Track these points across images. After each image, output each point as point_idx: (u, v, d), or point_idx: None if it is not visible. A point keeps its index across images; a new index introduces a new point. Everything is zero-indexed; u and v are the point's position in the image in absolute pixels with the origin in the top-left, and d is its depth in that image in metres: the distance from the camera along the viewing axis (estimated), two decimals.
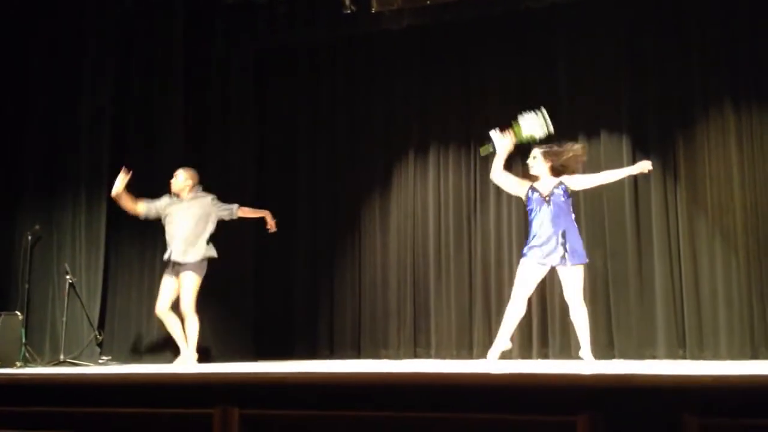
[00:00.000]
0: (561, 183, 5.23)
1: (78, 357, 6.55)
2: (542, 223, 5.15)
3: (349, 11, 6.73)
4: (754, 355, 6.04)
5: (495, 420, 2.57)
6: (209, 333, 7.07)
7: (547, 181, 5.27)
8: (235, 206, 6.16)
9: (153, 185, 6.56)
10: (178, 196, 6.04)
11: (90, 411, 3.08)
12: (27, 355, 6.48)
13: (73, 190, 7.10)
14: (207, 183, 6.23)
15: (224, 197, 7.26)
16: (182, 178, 6.02)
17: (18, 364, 6.26)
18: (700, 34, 6.59)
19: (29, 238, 6.92)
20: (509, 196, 7.05)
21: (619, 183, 6.61)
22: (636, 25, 6.81)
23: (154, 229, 6.37)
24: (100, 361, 6.62)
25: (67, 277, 6.75)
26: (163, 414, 2.96)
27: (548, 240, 5.11)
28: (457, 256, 7.15)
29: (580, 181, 5.35)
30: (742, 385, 2.51)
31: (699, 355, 6.16)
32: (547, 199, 5.19)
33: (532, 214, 5.25)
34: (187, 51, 7.25)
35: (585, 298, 6.54)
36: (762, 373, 2.71)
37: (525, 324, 6.75)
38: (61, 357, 6.49)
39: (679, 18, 6.70)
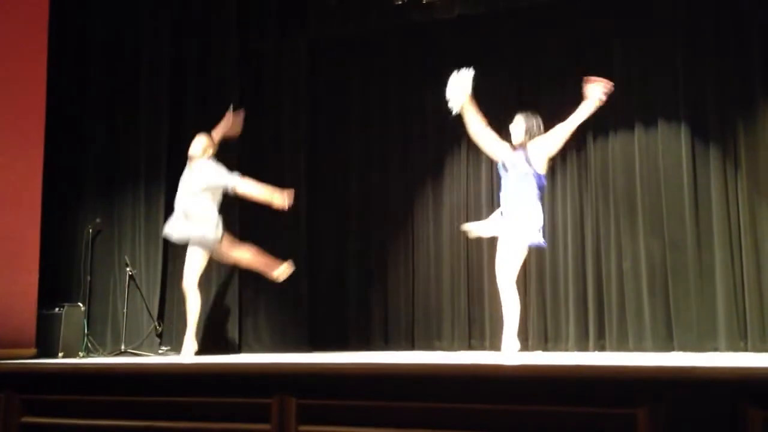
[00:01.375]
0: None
1: (139, 347, 6.72)
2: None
3: (400, 2, 6.71)
4: None
5: (554, 412, 2.55)
6: (265, 323, 7.20)
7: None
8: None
9: None
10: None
11: (150, 400, 3.15)
12: (89, 345, 6.68)
13: (132, 183, 7.27)
14: (260, 176, 6.27)
15: (276, 183, 7.35)
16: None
17: (81, 354, 6.45)
18: (761, 15, 6.37)
19: (90, 231, 7.11)
20: (564, 185, 7.00)
21: (678, 172, 6.50)
22: (693, 8, 6.63)
23: None
24: (160, 351, 6.77)
25: (128, 269, 6.92)
26: (223, 403, 3.01)
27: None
28: None
29: (542, 144, 5.15)
30: None
31: (762, 347, 6.00)
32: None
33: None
34: (241, 42, 7.34)
35: (642, 290, 6.48)
36: None
37: (581, 316, 6.70)
38: (122, 347, 6.67)
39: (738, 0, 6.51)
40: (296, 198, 6.29)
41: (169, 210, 6.97)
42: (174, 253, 7.01)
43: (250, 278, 6.90)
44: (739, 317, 6.15)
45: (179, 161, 6.35)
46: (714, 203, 6.38)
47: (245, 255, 6.01)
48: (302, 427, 2.87)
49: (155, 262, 7.05)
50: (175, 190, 6.08)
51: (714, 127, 6.48)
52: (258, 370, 3.19)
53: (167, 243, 7.04)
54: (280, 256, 6.42)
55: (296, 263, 7.13)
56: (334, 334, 7.41)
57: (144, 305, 6.92)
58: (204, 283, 6.92)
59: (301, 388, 2.88)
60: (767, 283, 6.14)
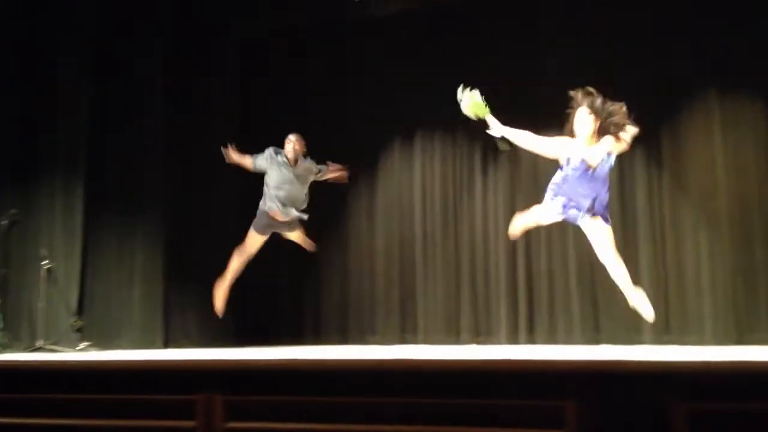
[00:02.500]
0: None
1: (56, 343, 6.47)
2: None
3: None
4: (739, 341, 6.07)
5: (484, 405, 2.56)
6: (193, 318, 7.05)
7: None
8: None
9: (132, 171, 6.50)
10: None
11: (69, 397, 3.03)
12: (6, 340, 6.41)
13: (49, 173, 6.98)
14: (191, 172, 6.16)
15: (208, 184, 7.22)
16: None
17: None
18: (687, 21, 6.57)
19: (5, 222, 6.81)
20: (496, 181, 7.07)
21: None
22: (623, 13, 6.77)
23: (135, 212, 6.29)
24: (79, 347, 6.54)
25: (44, 262, 6.65)
26: (146, 400, 2.92)
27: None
28: (443, 241, 7.13)
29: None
30: (728, 370, 2.51)
31: (684, 340, 6.19)
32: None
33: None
34: (172, 34, 7.15)
35: (571, 284, 6.63)
36: (748, 358, 2.70)
37: (513, 310, 6.78)
38: (39, 343, 6.41)
39: (667, 6, 6.68)
40: (230, 189, 6.21)
41: (90, 200, 6.79)
42: (94, 247, 6.80)
43: (176, 272, 6.75)
44: (663, 311, 6.31)
45: (99, 153, 6.16)
46: (639, 201, 6.56)
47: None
48: (229, 424, 2.80)
49: (73, 254, 6.81)
50: (96, 181, 6.04)
51: (640, 128, 6.63)
52: (183, 367, 3.11)
53: (87, 235, 6.82)
54: (208, 245, 6.31)
55: (225, 255, 7.04)
56: (265, 329, 7.32)
57: (62, 299, 6.68)
58: (126, 278, 6.75)
59: (227, 385, 2.82)
60: (690, 278, 6.34)
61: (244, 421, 2.79)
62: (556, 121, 6.75)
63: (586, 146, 4.93)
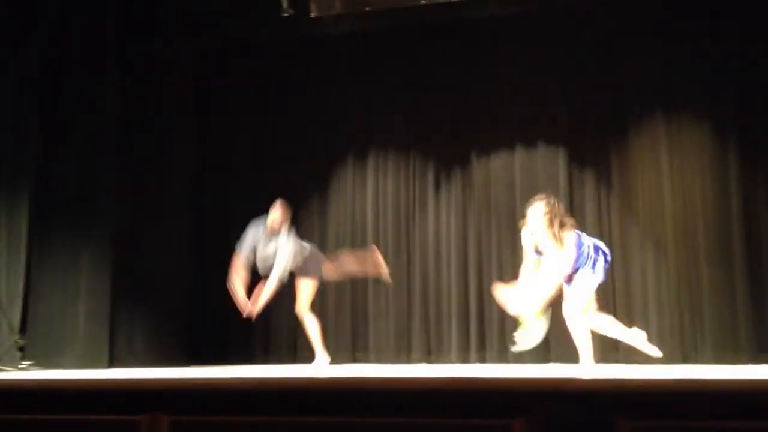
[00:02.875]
0: None
1: None
2: None
3: (287, 14, 6.65)
4: (685, 360, 6.20)
5: (432, 425, 2.55)
6: (140, 336, 6.91)
7: None
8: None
9: (80, 188, 6.36)
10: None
11: (10, 417, 2.94)
12: None
13: None
14: (142, 184, 6.07)
15: (160, 196, 7.13)
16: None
17: None
18: (634, 49, 6.77)
19: None
20: (448, 201, 7.13)
21: (555, 191, 6.74)
22: (573, 40, 6.94)
23: (82, 229, 6.17)
24: (21, 365, 6.35)
25: None
26: (89, 421, 2.84)
27: None
28: (395, 260, 7.14)
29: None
30: (671, 388, 2.55)
31: (632, 359, 6.28)
32: None
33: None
34: (124, 44, 7.04)
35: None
36: (690, 376, 2.76)
37: (464, 329, 6.82)
38: None
39: (614, 34, 6.86)
40: (181, 207, 6.12)
41: (35, 215, 6.64)
42: (39, 264, 6.63)
43: (123, 288, 6.63)
44: None
45: (46, 170, 6.01)
46: (588, 221, 6.67)
47: (349, 264, 6.33)
48: None
49: (17, 271, 6.62)
50: (42, 198, 6.00)
51: (590, 151, 6.80)
52: (128, 386, 3.04)
53: (31, 253, 6.65)
54: (160, 263, 6.21)
55: (177, 273, 6.95)
56: (215, 347, 7.22)
57: (4, 317, 6.49)
58: (71, 295, 6.58)
59: (173, 405, 2.76)
60: (636, 297, 6.47)
61: None
62: (506, 136, 6.93)
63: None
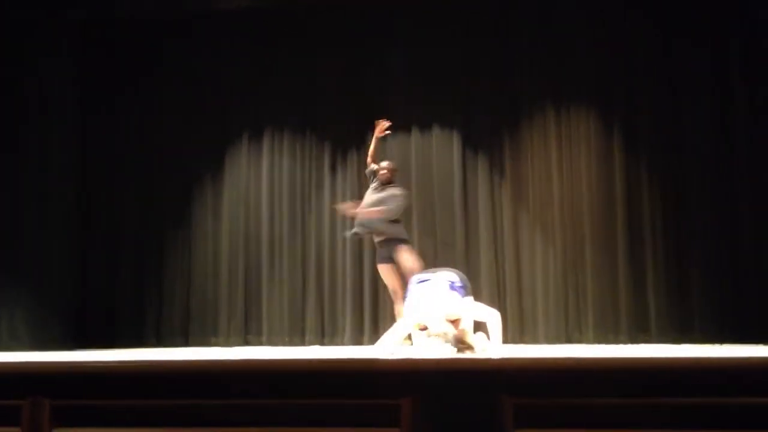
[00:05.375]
0: None
1: None
2: None
3: None
4: (568, 340, 6.47)
5: (323, 404, 2.58)
6: (23, 319, 6.63)
7: None
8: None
9: None
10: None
11: None
12: None
13: None
14: (22, 163, 5.79)
15: (42, 179, 6.83)
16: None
17: None
18: (527, 39, 6.96)
19: None
20: (344, 183, 7.15)
21: (449, 177, 6.91)
22: (470, 27, 7.06)
23: None
24: None
25: None
26: None
27: None
28: (290, 242, 7.11)
29: None
30: (552, 366, 2.66)
31: (520, 339, 6.51)
32: None
33: None
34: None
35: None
36: (569, 355, 2.88)
37: (358, 312, 6.87)
38: None
39: (509, 23, 7.03)
40: (66, 189, 5.87)
41: None
42: None
43: (3, 270, 6.34)
44: (501, 312, 6.58)
45: None
46: (481, 207, 6.85)
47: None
48: (57, 430, 2.67)
49: None
50: None
51: (484, 138, 6.95)
52: (8, 370, 2.93)
53: None
54: (45, 245, 5.96)
55: (61, 255, 6.69)
56: (103, 331, 7.01)
57: None
58: None
59: (55, 389, 2.68)
60: (526, 282, 6.69)
61: (73, 427, 2.66)
62: (402, 119, 6.99)
63: None
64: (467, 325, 4.45)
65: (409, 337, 4.72)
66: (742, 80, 6.46)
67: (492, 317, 4.43)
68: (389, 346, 4.32)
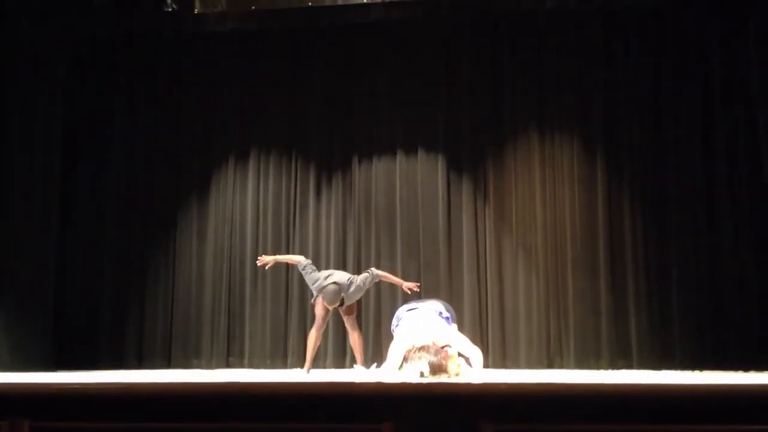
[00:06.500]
0: None
1: None
2: None
3: (170, 9, 6.52)
4: (550, 365, 6.49)
5: (304, 428, 2.57)
6: (3, 341, 6.57)
7: None
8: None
9: None
10: None
11: None
12: None
13: None
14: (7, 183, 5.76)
15: (28, 199, 6.80)
16: None
17: None
18: (511, 62, 7.05)
19: None
20: (329, 205, 7.17)
21: (434, 199, 6.94)
22: (455, 50, 7.14)
23: None
24: None
25: None
26: None
27: None
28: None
29: None
30: (533, 392, 2.67)
31: (501, 364, 6.52)
32: None
33: None
34: None
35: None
36: (552, 381, 2.90)
37: (340, 335, 6.86)
38: None
39: (493, 46, 7.11)
40: (48, 210, 5.83)
41: None
42: None
43: None
44: (482, 336, 6.63)
45: None
46: (465, 230, 6.88)
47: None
48: None
49: None
50: None
51: (468, 161, 7.00)
52: None
53: None
54: (24, 264, 5.91)
55: (41, 275, 6.65)
56: (85, 352, 6.96)
57: None
58: None
59: (35, 411, 2.66)
60: (508, 305, 6.71)
61: None
62: (387, 141, 7.03)
63: None
64: (454, 352, 4.48)
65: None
66: (723, 106, 6.55)
67: (474, 352, 4.47)
68: (394, 373, 4.32)
